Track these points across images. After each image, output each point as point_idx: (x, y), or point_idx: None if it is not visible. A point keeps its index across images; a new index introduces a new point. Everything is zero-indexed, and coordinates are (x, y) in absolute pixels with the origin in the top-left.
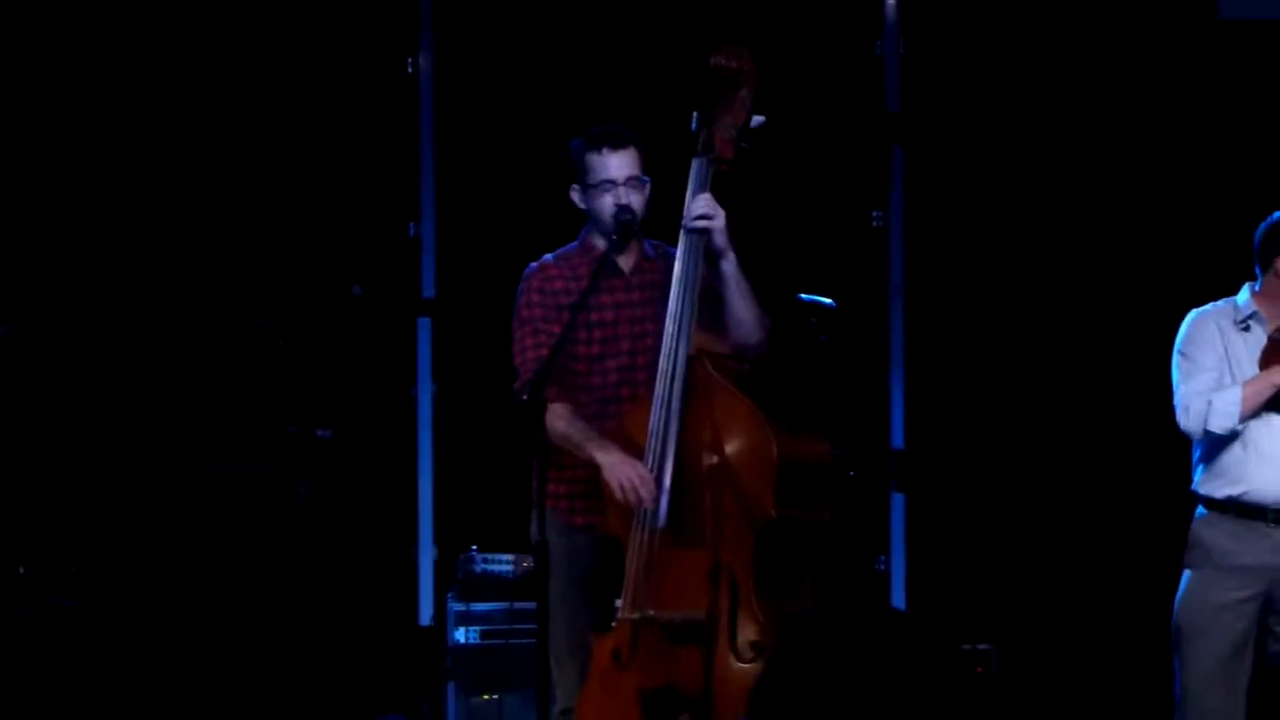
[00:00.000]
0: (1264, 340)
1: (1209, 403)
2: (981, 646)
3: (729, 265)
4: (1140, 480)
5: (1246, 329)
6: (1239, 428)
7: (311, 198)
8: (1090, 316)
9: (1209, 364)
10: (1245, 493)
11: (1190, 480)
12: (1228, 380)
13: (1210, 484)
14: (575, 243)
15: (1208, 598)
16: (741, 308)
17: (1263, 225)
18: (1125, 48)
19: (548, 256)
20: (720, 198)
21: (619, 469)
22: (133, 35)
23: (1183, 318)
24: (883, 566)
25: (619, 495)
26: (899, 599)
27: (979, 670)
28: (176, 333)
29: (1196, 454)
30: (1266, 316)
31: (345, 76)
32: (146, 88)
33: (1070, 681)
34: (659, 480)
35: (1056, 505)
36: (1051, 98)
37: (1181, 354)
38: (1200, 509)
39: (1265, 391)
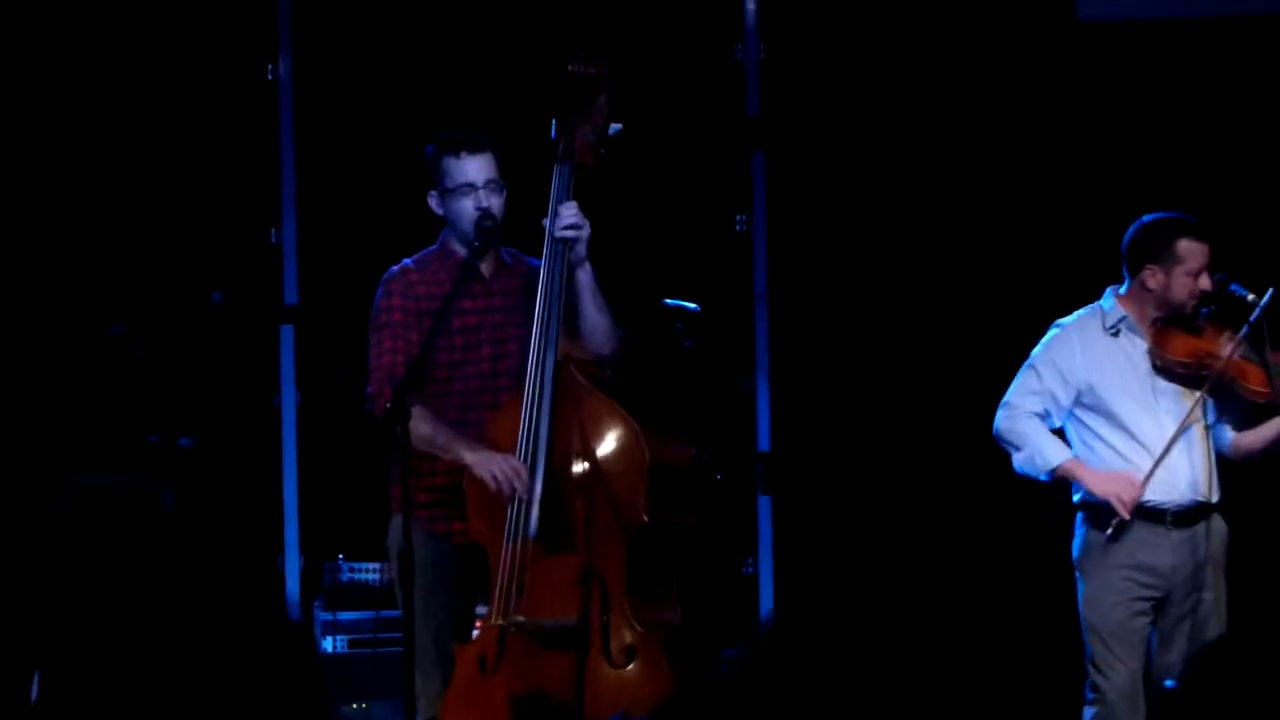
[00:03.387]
0: (1137, 344)
1: (1028, 441)
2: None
3: (585, 275)
4: (1000, 480)
5: (1116, 334)
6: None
7: (171, 204)
8: (951, 319)
9: (1052, 384)
10: (1145, 498)
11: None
12: (1067, 397)
13: None
14: (434, 248)
15: (1111, 600)
16: (595, 318)
17: (1132, 228)
18: (985, 50)
19: (407, 261)
20: (583, 201)
21: (490, 463)
22: None
23: (1041, 320)
24: (750, 569)
25: (493, 487)
26: (766, 601)
27: None
28: (35, 342)
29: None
30: (1136, 320)
31: (205, 83)
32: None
33: (938, 677)
34: (530, 487)
35: (921, 505)
36: (912, 100)
37: (1031, 363)
38: (1088, 514)
39: (1078, 480)
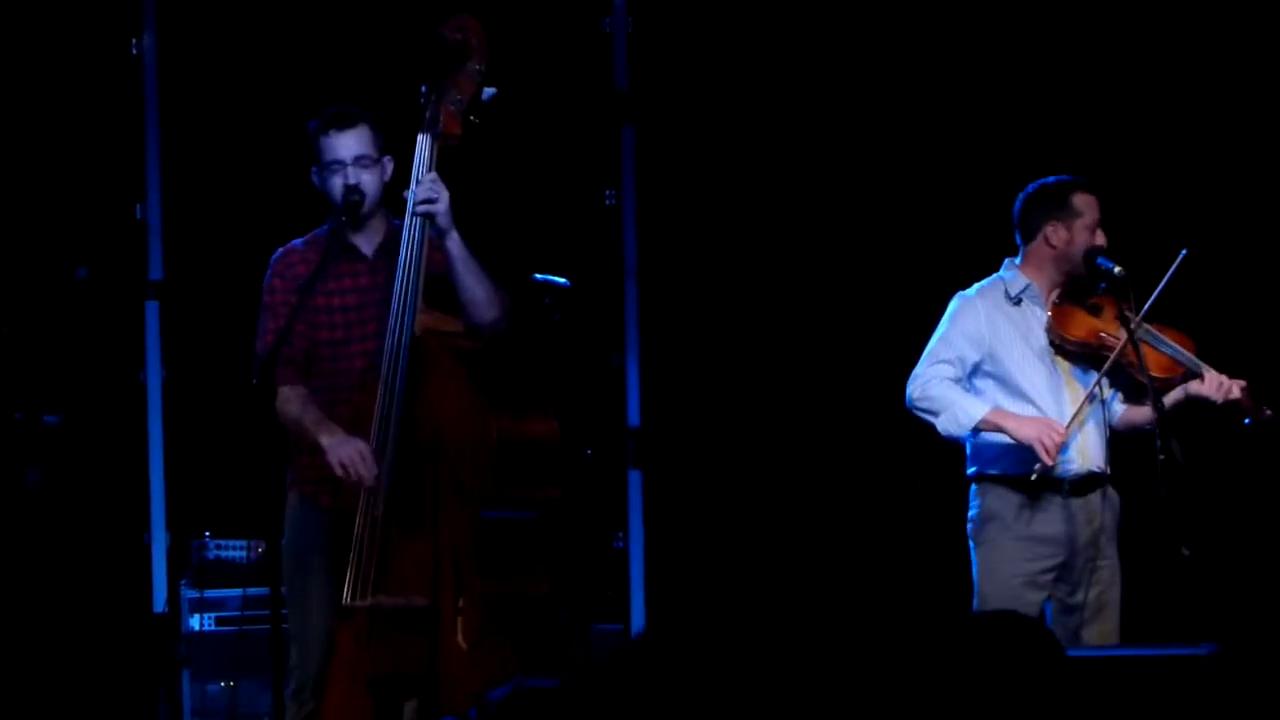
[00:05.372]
0: (1038, 314)
1: (948, 403)
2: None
3: (454, 245)
4: (872, 454)
5: (1019, 303)
6: (975, 436)
7: (34, 180)
8: (821, 295)
9: (961, 351)
10: (1040, 468)
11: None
12: (972, 362)
13: (1004, 461)
14: (324, 227)
15: (1008, 570)
16: (472, 287)
17: (1021, 195)
18: (835, 20)
19: (296, 241)
20: (451, 173)
21: (339, 448)
22: None
23: (914, 294)
24: (621, 544)
25: (340, 473)
26: (637, 576)
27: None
28: None
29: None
30: (1039, 287)
31: (68, 57)
32: None
33: (812, 653)
34: (379, 462)
35: (792, 480)
36: (781, 75)
37: (940, 333)
38: (980, 485)
39: (1002, 429)
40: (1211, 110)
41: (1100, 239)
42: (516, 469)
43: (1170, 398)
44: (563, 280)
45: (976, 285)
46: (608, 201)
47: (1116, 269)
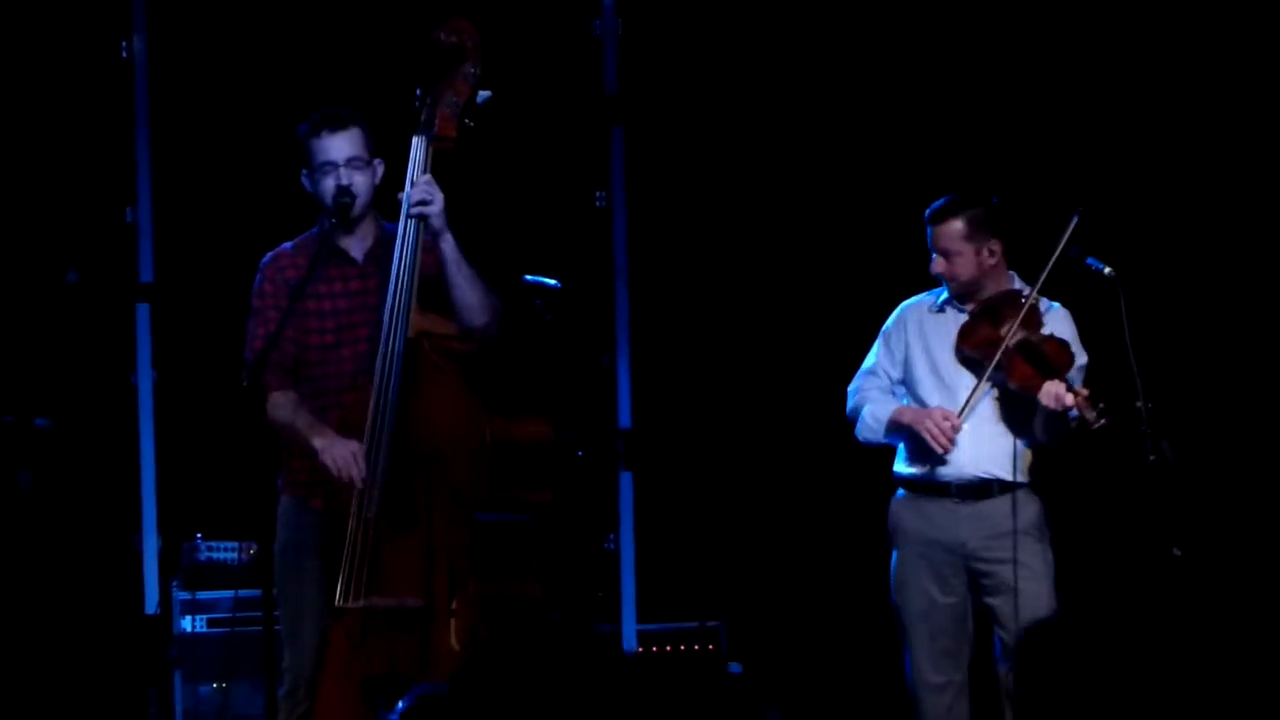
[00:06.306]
0: (959, 321)
1: (862, 411)
2: (711, 624)
3: (448, 247)
4: (860, 456)
5: (941, 311)
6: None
7: (24, 183)
8: (810, 296)
9: (885, 363)
10: (931, 471)
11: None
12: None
13: (902, 464)
14: (313, 230)
15: (911, 575)
16: (465, 289)
17: None
18: (840, 25)
19: (285, 245)
20: (445, 176)
21: (331, 450)
22: None
23: (905, 291)
24: (612, 545)
25: (334, 474)
26: (629, 577)
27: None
28: None
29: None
30: (959, 299)
31: (58, 60)
32: None
33: (799, 658)
34: (372, 465)
35: (782, 481)
36: (771, 77)
37: (873, 348)
38: (899, 491)
39: (904, 424)
40: (1212, 109)
41: (933, 267)
42: (509, 471)
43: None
44: (553, 281)
45: (919, 295)
46: (598, 203)
47: (1106, 270)
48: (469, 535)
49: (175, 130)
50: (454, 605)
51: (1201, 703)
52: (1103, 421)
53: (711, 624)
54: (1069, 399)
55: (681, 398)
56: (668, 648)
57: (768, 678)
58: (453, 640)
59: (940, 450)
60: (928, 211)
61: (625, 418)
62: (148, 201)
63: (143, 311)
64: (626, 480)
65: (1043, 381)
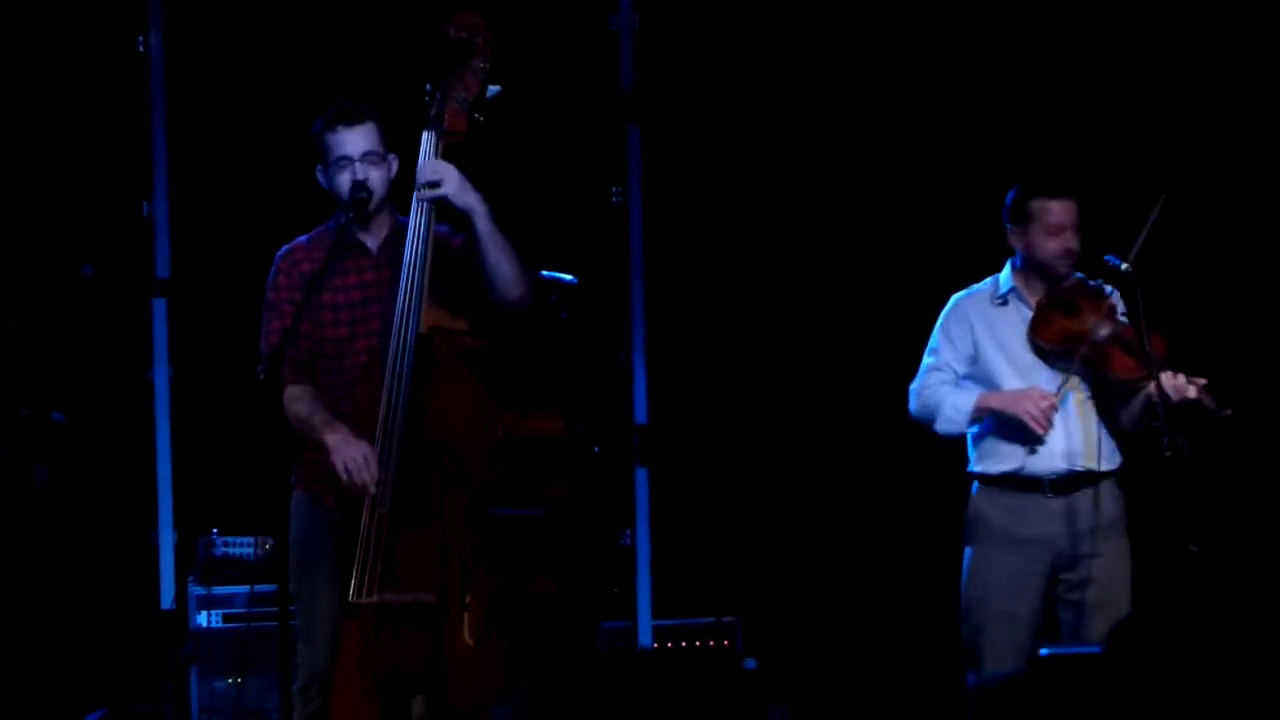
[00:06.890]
0: (1024, 314)
1: (940, 404)
2: (727, 619)
3: (481, 221)
4: (877, 453)
5: (1004, 304)
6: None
7: (40, 178)
8: (827, 291)
9: (949, 358)
10: (1021, 467)
11: (966, 459)
12: (963, 366)
13: (986, 461)
14: (328, 224)
15: (995, 573)
16: (501, 261)
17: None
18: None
19: (301, 238)
20: (461, 170)
21: (342, 450)
22: None
23: (921, 292)
24: (628, 541)
25: (343, 476)
26: (644, 573)
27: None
28: None
29: (971, 435)
30: (1025, 290)
31: (75, 54)
32: None
33: (815, 653)
34: (385, 460)
35: (798, 478)
36: (788, 73)
37: (931, 343)
38: (975, 485)
39: (993, 410)
40: (1209, 111)
41: (1063, 243)
42: (523, 466)
43: (1139, 400)
44: (569, 278)
45: (974, 286)
46: (614, 199)
47: (1124, 265)
48: (483, 530)
49: (191, 125)
50: (468, 601)
51: (1217, 699)
52: (1227, 410)
53: (727, 619)
54: (1190, 390)
55: (697, 393)
56: (683, 643)
57: (774, 673)
58: (467, 636)
59: (1040, 431)
60: (1059, 187)
61: (641, 413)
62: (164, 196)
63: (159, 306)
64: (642, 476)
65: (1146, 372)
